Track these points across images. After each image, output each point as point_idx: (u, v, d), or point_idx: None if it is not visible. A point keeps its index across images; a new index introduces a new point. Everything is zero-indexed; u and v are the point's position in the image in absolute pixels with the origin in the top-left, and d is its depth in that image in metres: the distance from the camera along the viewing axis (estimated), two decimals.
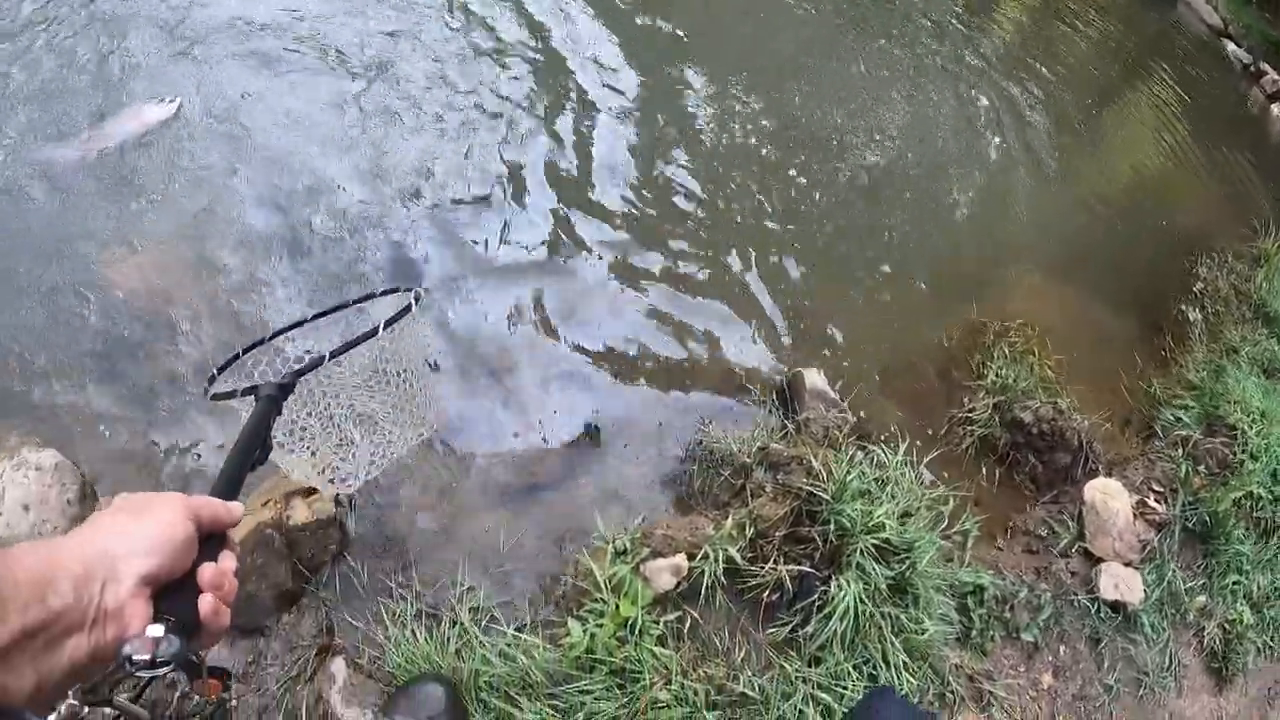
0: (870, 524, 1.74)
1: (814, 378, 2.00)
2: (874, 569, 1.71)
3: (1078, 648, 2.01)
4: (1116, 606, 2.05)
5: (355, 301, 1.25)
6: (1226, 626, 2.25)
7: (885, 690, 0.77)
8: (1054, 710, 1.93)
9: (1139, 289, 2.74)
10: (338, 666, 1.71)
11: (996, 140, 2.85)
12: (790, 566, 1.71)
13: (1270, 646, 2.36)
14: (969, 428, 2.18)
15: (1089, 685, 1.99)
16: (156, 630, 0.57)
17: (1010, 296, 2.49)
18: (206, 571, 0.64)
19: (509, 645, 1.72)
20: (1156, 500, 2.23)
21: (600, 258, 2.23)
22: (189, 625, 0.61)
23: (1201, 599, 2.22)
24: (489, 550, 1.88)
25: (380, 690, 1.71)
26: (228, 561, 0.67)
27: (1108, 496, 2.14)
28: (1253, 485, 2.32)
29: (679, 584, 1.71)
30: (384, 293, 1.24)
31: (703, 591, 1.70)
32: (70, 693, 0.53)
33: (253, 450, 0.85)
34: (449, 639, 1.74)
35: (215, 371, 1.08)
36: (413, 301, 1.14)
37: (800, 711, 1.66)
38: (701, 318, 2.18)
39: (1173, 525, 2.20)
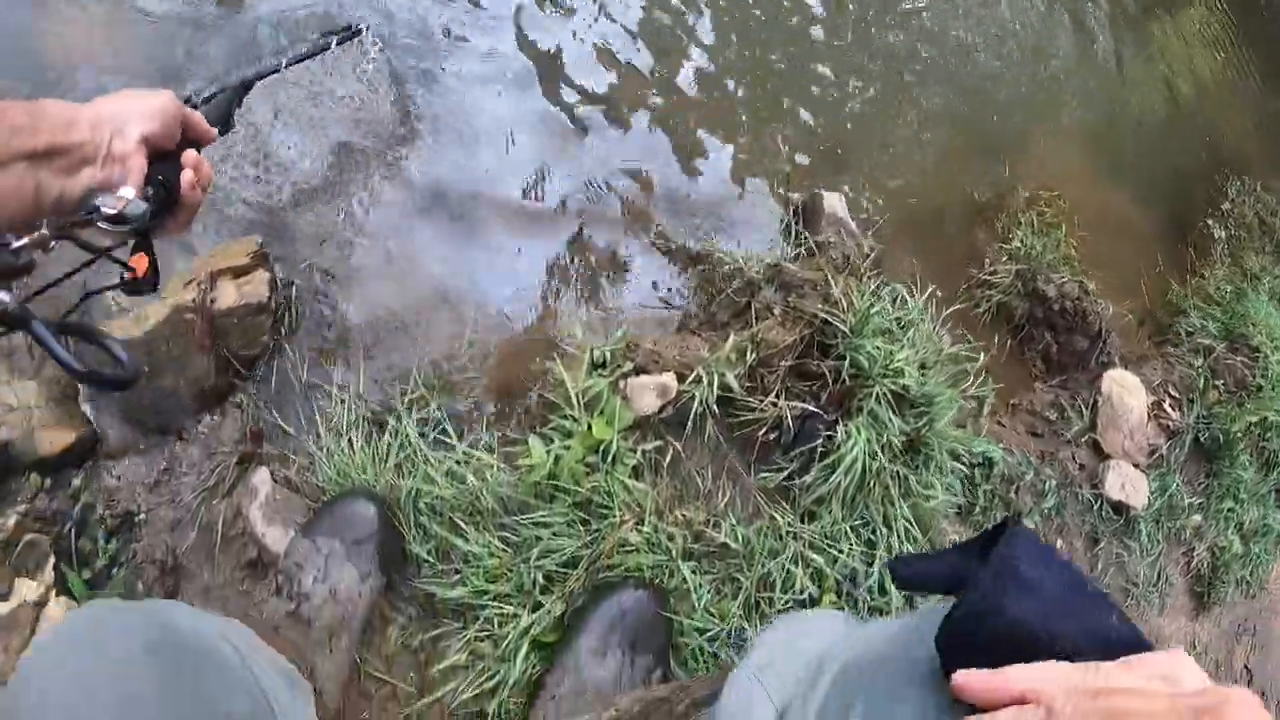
0: (890, 366, 1.45)
1: (834, 202, 1.68)
2: (889, 419, 1.43)
3: (1074, 544, 1.79)
4: (1119, 508, 1.84)
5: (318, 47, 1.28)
6: (1215, 552, 2.09)
7: (1019, 530, 0.52)
8: None
9: (1170, 196, 2.49)
10: (261, 478, 1.38)
11: (1066, 20, 2.52)
12: (794, 403, 1.42)
13: (1248, 582, 2.22)
14: (988, 291, 1.90)
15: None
16: (128, 192, 0.65)
17: (1044, 170, 2.21)
18: (190, 154, 0.76)
19: (458, 463, 1.40)
20: (1172, 405, 2.01)
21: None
22: (170, 195, 0.71)
23: (1197, 518, 2.04)
24: (448, 354, 1.54)
25: (307, 507, 1.38)
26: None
27: (1125, 391, 1.91)
28: (1269, 412, 2.13)
29: (663, 408, 1.40)
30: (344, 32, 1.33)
31: (690, 419, 1.40)
32: (45, 222, 0.59)
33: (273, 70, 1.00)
34: (390, 451, 1.41)
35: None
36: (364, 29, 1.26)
37: (788, 571, 1.39)
38: (716, 123, 1.82)
39: (1184, 435, 1.99)
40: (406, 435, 1.42)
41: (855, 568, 1.41)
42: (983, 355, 1.66)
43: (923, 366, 1.54)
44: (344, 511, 1.33)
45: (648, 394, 1.39)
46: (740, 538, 1.39)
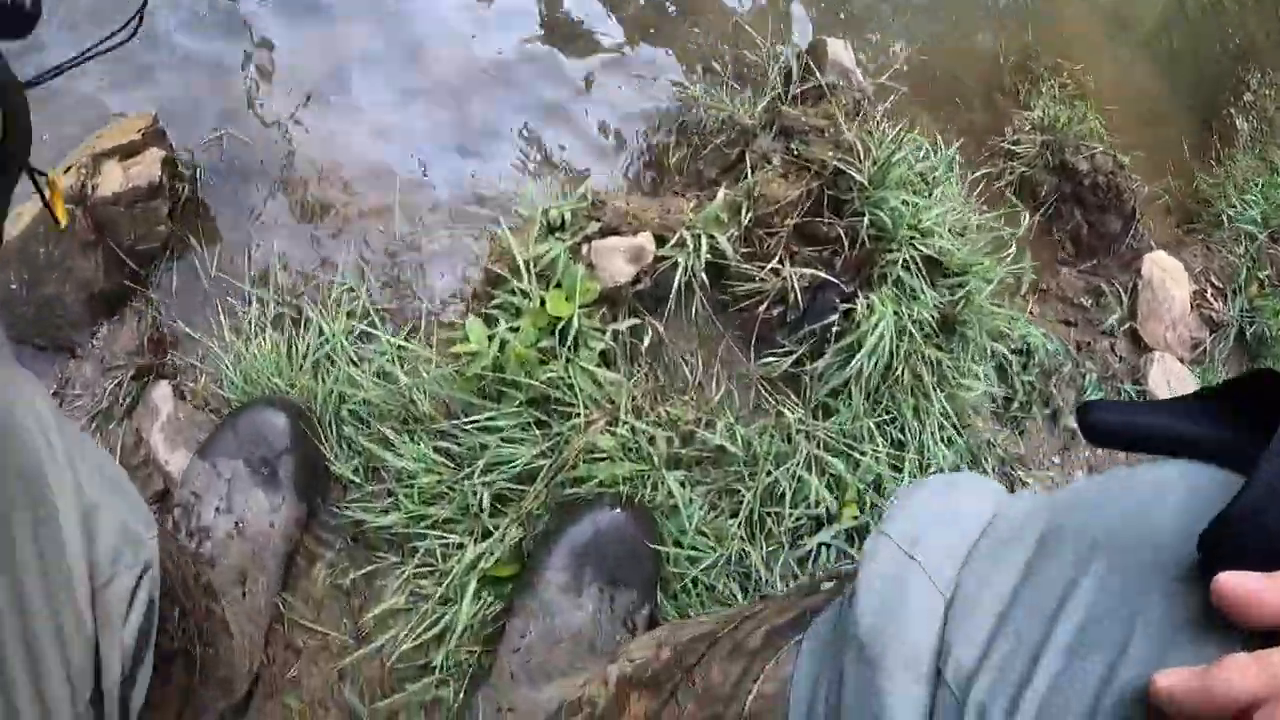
0: (919, 225, 1.14)
1: (838, 49, 1.35)
2: (922, 289, 1.13)
3: (1114, 450, 1.53)
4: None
5: None
6: None
7: None
8: None
9: (1195, 84, 2.21)
10: (161, 394, 1.07)
11: None
12: (802, 271, 1.11)
13: None
14: (1011, 163, 1.61)
15: None
16: None
17: (1071, 40, 1.90)
18: None
19: (389, 360, 1.09)
20: (1214, 295, 1.75)
21: None
22: None
23: None
24: (381, 238, 1.22)
25: (210, 427, 1.08)
26: None
27: (1167, 276, 1.64)
28: None
29: (639, 277, 1.08)
30: None
31: (674, 292, 1.08)
32: None
33: None
34: (308, 350, 1.09)
35: None
36: None
37: (799, 479, 1.08)
38: None
39: (1229, 328, 1.72)
40: (322, 329, 1.11)
41: (880, 473, 1.11)
42: (1012, 228, 1.37)
43: (958, 232, 1.24)
44: (248, 425, 1.03)
45: (618, 258, 1.07)
46: (740, 439, 1.08)
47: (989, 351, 1.20)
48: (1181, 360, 1.63)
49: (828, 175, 1.14)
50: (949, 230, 1.19)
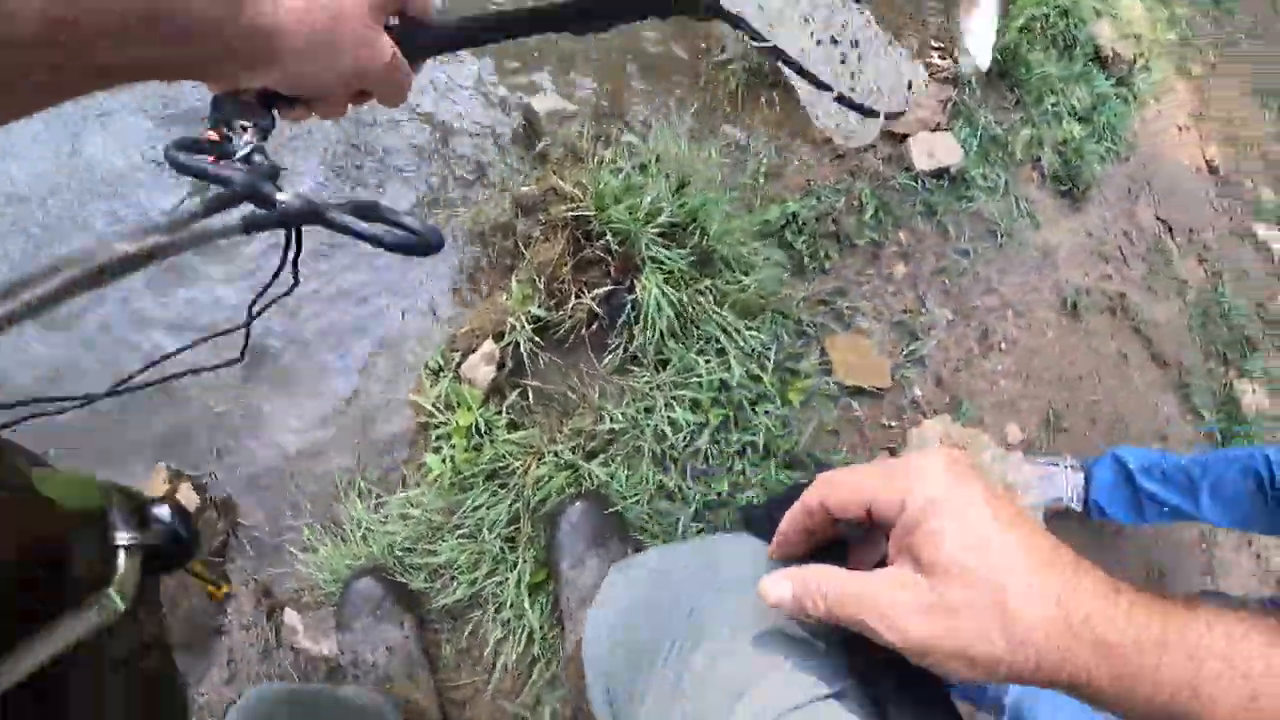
0: (645, 214, 1.51)
1: (544, 102, 1.72)
2: (668, 254, 1.51)
3: (916, 227, 1.82)
4: (939, 174, 1.84)
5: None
6: (1060, 149, 2.05)
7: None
8: (919, 292, 1.76)
9: None
10: (290, 617, 1.58)
11: None
12: (594, 292, 1.51)
13: (1110, 149, 2.17)
14: (728, 69, 1.88)
15: (943, 257, 1.81)
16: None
17: None
18: None
19: (402, 506, 1.57)
20: (941, 56, 1.97)
21: None
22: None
23: (1025, 132, 2.00)
24: (348, 433, 1.69)
25: (332, 612, 1.58)
26: None
27: (895, 67, 1.88)
28: (1031, 6, 2.05)
29: (501, 366, 1.52)
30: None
31: (525, 361, 1.52)
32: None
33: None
34: (351, 532, 1.59)
35: None
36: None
37: (670, 419, 1.50)
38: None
39: (967, 75, 1.95)
40: (354, 512, 1.58)
41: (721, 378, 1.50)
42: (752, 125, 1.68)
43: (681, 186, 1.59)
44: (353, 595, 1.51)
45: (480, 367, 1.51)
46: (621, 416, 1.50)
47: (748, 253, 1.55)
48: (940, 128, 1.88)
49: (571, 221, 1.53)
50: (673, 194, 1.55)
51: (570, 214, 1.53)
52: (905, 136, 1.85)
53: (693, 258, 1.52)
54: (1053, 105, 2.05)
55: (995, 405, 1.77)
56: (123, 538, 0.33)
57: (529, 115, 1.77)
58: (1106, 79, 2.21)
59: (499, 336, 1.53)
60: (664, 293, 1.48)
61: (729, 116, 1.83)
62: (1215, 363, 2.25)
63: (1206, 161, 2.47)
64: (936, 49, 1.96)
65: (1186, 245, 2.29)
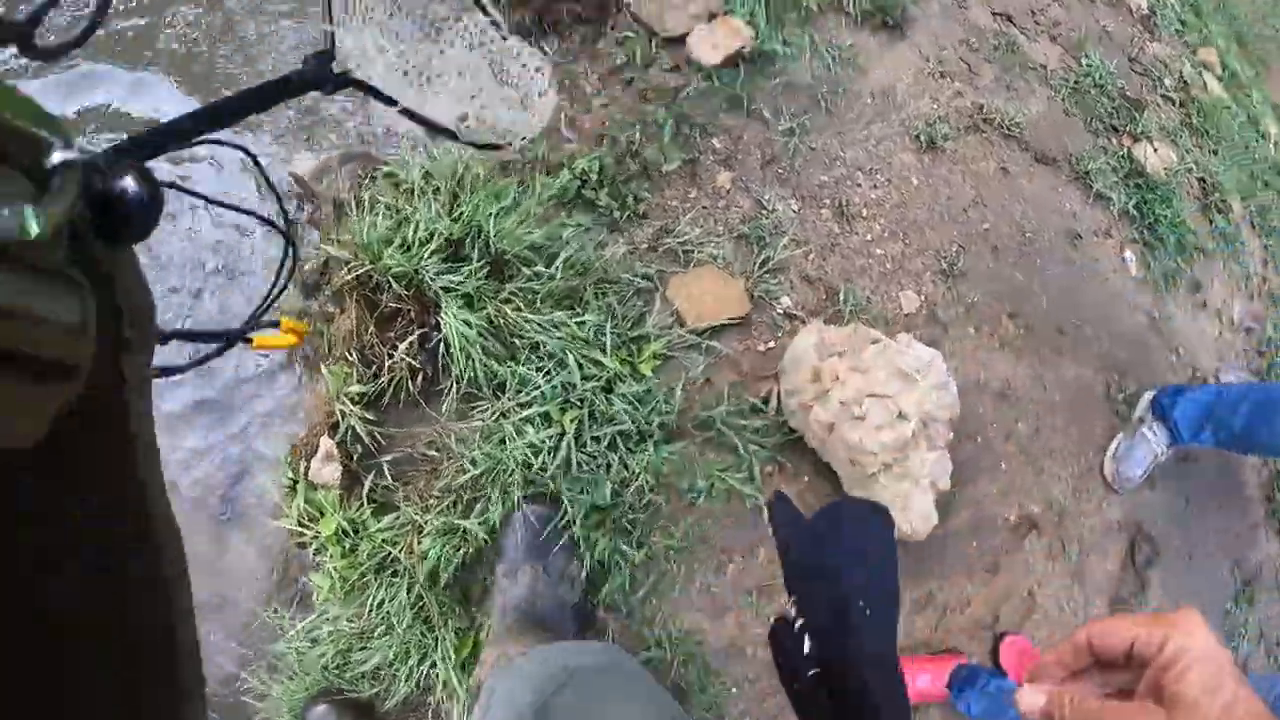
0: (419, 244, 1.33)
1: (305, 163, 1.53)
2: (455, 278, 1.33)
3: (728, 126, 1.60)
4: (733, 61, 1.62)
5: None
6: None
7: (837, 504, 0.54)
8: (754, 194, 1.56)
9: None
10: None
11: None
12: (402, 345, 1.34)
13: None
14: None
15: (769, 146, 1.60)
16: None
17: None
18: None
19: (313, 628, 1.45)
20: None
21: None
22: None
23: None
24: (241, 576, 1.57)
25: None
26: None
27: None
28: None
29: (347, 459, 1.37)
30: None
31: (366, 442, 1.37)
32: None
33: (234, 113, 0.59)
34: (293, 664, 1.48)
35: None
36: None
37: (529, 444, 1.34)
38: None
39: None
40: (287, 651, 1.46)
41: (563, 382, 1.34)
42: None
43: (455, 198, 1.41)
44: None
45: (325, 468, 1.37)
46: (483, 457, 1.35)
47: (537, 252, 1.37)
48: (714, 15, 1.66)
49: (355, 283, 1.36)
50: (445, 212, 1.37)
51: (351, 276, 1.35)
52: (684, 37, 1.63)
53: (485, 270, 1.34)
54: None
55: (880, 278, 1.58)
56: (59, 156, 0.20)
57: (299, 184, 1.58)
58: None
59: (334, 429, 1.38)
60: (466, 320, 1.30)
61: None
62: (1105, 138, 2.03)
63: None
64: None
65: (1034, 29, 2.05)
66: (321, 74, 0.63)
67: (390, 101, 0.67)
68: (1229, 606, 1.93)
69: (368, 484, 1.37)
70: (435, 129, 0.72)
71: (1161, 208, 2.03)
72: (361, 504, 1.36)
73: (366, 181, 1.54)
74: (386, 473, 1.39)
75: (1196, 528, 1.90)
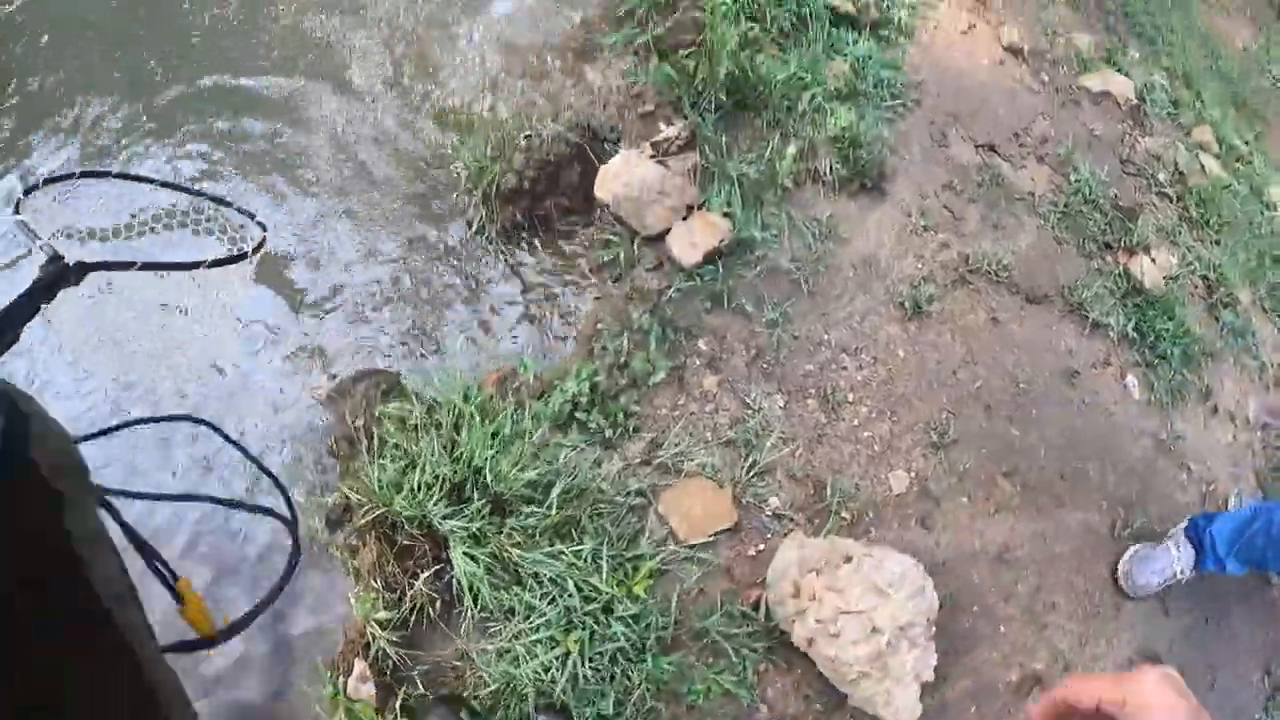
0: (425, 487, 1.40)
1: (319, 386, 1.62)
2: (460, 523, 1.39)
3: (712, 326, 1.62)
4: (713, 258, 1.64)
5: (212, 199, 1.10)
6: (836, 143, 1.80)
7: None
8: (740, 394, 1.58)
9: None
10: None
11: None
12: (422, 577, 1.42)
13: (893, 107, 1.90)
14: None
15: (753, 340, 1.62)
16: None
17: None
18: None
19: None
20: (667, 123, 1.75)
21: None
22: None
23: (790, 148, 1.77)
24: None
25: None
26: None
27: (625, 171, 1.68)
28: (729, 39, 1.77)
29: (381, 674, 1.46)
30: (240, 210, 1.07)
31: (395, 661, 1.45)
32: None
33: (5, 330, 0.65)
34: None
35: (41, 181, 0.88)
36: (249, 250, 0.96)
37: (541, 664, 1.40)
38: None
39: (695, 127, 1.72)
40: None
41: (565, 606, 1.39)
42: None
43: (455, 436, 1.47)
44: None
45: (361, 687, 1.45)
46: (498, 675, 1.42)
47: (525, 461, 1.42)
48: (690, 210, 1.67)
49: (373, 523, 1.44)
50: (446, 452, 1.44)
51: (368, 518, 1.44)
52: (665, 233, 1.66)
53: (487, 507, 1.41)
54: (809, 103, 1.79)
55: (869, 461, 1.59)
56: None
57: (329, 400, 1.67)
58: (857, 36, 1.92)
59: (365, 649, 1.47)
60: (473, 557, 1.37)
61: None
62: (1099, 258, 1.98)
63: (1006, 48, 2.14)
64: (662, 120, 1.74)
65: (1018, 154, 2.00)
66: (60, 273, 0.69)
67: (128, 265, 0.75)
68: (1259, 716, 1.88)
69: (400, 695, 1.46)
70: (177, 267, 0.81)
71: (1163, 321, 1.97)
72: (395, 715, 1.45)
73: (378, 398, 1.62)
74: (419, 682, 1.47)
75: (1218, 645, 1.86)
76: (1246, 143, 2.59)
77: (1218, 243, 2.24)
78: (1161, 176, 2.21)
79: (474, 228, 1.77)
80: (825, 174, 1.75)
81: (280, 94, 1.97)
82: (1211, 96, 2.59)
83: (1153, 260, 2.04)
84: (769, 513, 1.51)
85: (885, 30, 1.98)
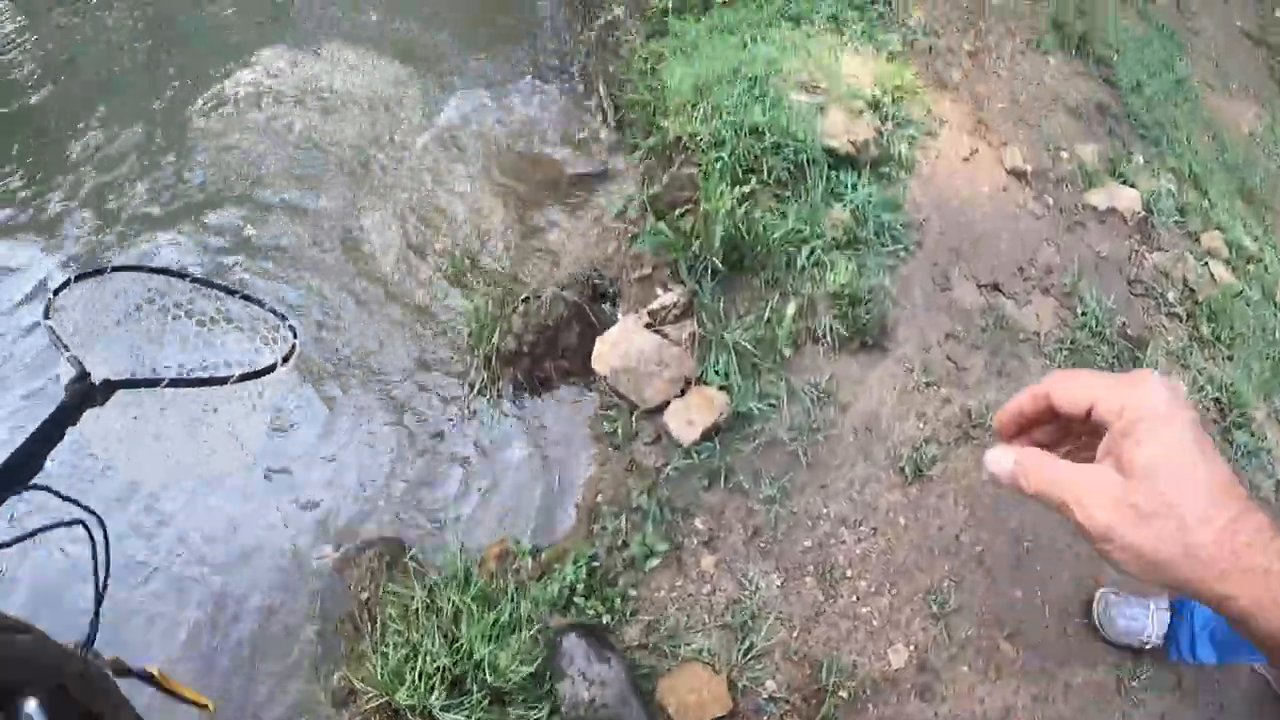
0: (427, 677, 1.40)
1: (326, 556, 1.62)
2: (459, 717, 1.39)
3: (711, 509, 1.60)
4: (711, 434, 1.61)
5: (244, 297, 1.01)
6: (836, 301, 1.75)
7: None
8: (738, 574, 1.56)
9: None
10: None
11: None
12: None
13: (894, 252, 1.85)
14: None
15: (750, 517, 1.59)
16: None
17: None
18: None
19: None
20: (664, 289, 1.72)
21: None
22: None
23: (789, 309, 1.73)
24: None
25: None
26: None
27: (623, 341, 1.65)
28: (724, 196, 1.73)
29: None
30: (270, 310, 0.98)
31: None
32: None
33: (21, 472, 0.62)
34: None
35: (72, 279, 0.82)
36: (279, 362, 0.87)
37: None
38: None
39: (693, 294, 1.69)
40: None
41: None
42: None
43: (455, 625, 1.46)
44: None
45: None
46: None
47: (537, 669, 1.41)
48: (687, 384, 1.64)
49: (377, 711, 1.44)
50: (446, 642, 1.43)
51: (372, 704, 1.44)
52: (664, 406, 1.64)
53: (486, 700, 1.40)
54: (808, 258, 1.76)
55: (867, 637, 1.56)
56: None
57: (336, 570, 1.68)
58: (857, 178, 1.88)
59: None
60: None
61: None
62: None
63: (1010, 171, 2.07)
64: (661, 291, 1.71)
65: (1023, 289, 1.95)
66: (86, 392, 0.66)
67: (156, 383, 0.72)
68: None
69: None
70: (206, 383, 0.77)
71: None
72: None
73: (383, 570, 1.62)
74: None
75: None
76: (1256, 239, 2.50)
77: (1230, 358, 2.17)
78: (1171, 295, 2.14)
79: (475, 389, 1.77)
80: (824, 334, 1.72)
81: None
82: (1219, 191, 2.51)
83: None
84: (765, 695, 1.49)
85: (885, 167, 1.93)
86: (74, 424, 0.66)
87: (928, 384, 1.76)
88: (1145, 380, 0.40)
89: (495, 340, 1.71)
